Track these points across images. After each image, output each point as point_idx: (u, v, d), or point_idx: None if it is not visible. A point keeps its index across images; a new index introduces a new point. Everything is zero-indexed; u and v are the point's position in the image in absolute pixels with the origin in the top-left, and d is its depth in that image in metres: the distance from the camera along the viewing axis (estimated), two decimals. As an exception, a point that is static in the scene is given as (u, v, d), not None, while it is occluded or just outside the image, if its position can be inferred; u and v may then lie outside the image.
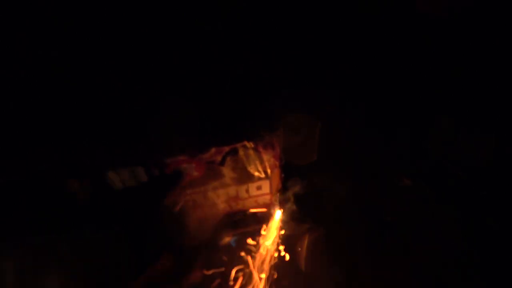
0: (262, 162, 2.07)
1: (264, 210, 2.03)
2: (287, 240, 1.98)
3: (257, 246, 1.95)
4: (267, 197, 2.10)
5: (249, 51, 3.61)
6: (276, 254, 1.95)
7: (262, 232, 1.95)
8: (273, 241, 1.93)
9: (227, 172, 2.04)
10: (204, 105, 3.76)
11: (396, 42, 3.60)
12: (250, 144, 2.05)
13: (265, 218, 1.98)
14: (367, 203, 2.69)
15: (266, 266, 1.90)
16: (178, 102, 3.72)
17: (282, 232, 1.93)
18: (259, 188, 2.10)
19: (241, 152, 2.03)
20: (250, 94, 3.85)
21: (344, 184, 2.42)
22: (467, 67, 3.65)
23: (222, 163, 2.00)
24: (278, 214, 1.95)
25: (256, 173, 2.07)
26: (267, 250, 1.88)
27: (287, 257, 1.97)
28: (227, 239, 2.09)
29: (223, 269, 2.04)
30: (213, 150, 2.05)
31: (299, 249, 2.05)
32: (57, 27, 3.05)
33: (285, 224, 1.93)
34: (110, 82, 3.56)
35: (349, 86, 3.88)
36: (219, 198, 2.10)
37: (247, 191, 2.10)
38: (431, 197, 3.22)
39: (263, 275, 1.92)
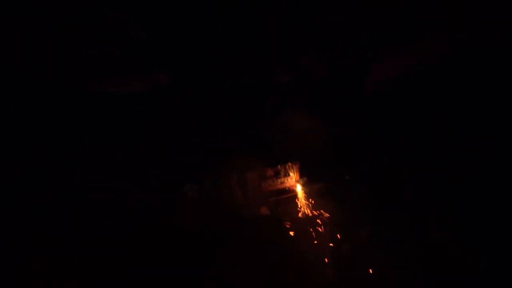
0: (293, 168, 4.25)
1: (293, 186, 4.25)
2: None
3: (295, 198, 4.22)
4: (294, 181, 4.26)
5: (249, 51, 3.62)
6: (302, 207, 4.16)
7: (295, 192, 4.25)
8: (301, 196, 4.22)
9: (281, 172, 4.23)
10: (204, 105, 3.78)
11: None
12: (290, 164, 4.22)
13: (294, 189, 4.24)
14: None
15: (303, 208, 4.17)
16: (178, 102, 3.73)
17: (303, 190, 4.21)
18: (291, 178, 4.26)
19: (287, 165, 4.23)
20: (250, 94, 3.86)
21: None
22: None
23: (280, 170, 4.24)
24: (299, 187, 4.20)
25: (291, 173, 4.25)
26: (300, 200, 4.21)
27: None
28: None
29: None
30: (278, 166, 4.20)
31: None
32: (56, 27, 3.06)
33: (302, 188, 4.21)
34: (110, 82, 3.57)
35: (348, 85, 3.88)
36: (276, 183, 4.24)
37: (287, 180, 4.25)
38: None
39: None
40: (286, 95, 3.98)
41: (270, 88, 3.91)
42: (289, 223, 3.91)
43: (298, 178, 4.08)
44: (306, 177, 4.06)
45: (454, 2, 3.29)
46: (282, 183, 4.04)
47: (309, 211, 4.01)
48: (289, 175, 4.08)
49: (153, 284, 3.76)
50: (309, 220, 3.99)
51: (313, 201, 4.00)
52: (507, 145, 3.77)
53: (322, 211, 3.94)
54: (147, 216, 3.88)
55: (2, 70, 3.18)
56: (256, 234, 3.83)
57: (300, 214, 4.00)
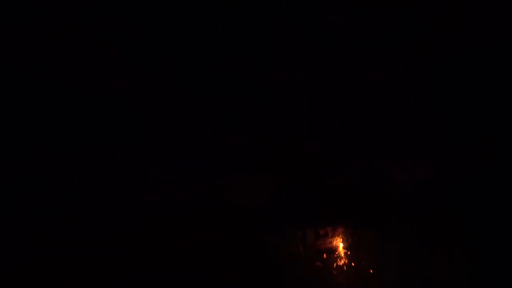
0: (338, 230, 4.76)
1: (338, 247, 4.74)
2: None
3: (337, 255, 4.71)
4: (339, 242, 4.77)
5: (249, 51, 3.61)
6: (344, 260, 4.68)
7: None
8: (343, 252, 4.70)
9: (330, 233, 4.77)
10: (205, 104, 3.78)
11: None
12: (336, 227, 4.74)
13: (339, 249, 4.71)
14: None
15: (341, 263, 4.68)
16: (178, 102, 3.73)
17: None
18: (336, 239, 4.78)
19: (334, 227, 4.73)
20: (250, 94, 3.86)
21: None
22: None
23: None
24: (341, 245, 4.62)
25: (337, 235, 4.76)
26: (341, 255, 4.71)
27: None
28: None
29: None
30: (327, 228, 4.75)
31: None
32: (56, 27, 3.06)
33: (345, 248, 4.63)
34: (109, 83, 3.57)
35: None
36: (326, 242, 4.79)
37: (334, 240, 4.78)
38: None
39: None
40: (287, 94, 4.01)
41: (270, 88, 3.91)
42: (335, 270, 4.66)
43: (342, 239, 4.83)
44: (351, 239, 4.71)
45: (454, 2, 3.30)
46: (330, 242, 4.78)
47: (350, 265, 4.65)
48: (335, 236, 4.78)
49: (153, 284, 3.76)
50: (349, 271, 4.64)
51: (355, 258, 4.62)
52: (507, 145, 3.77)
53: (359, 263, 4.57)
54: (147, 216, 3.88)
55: (2, 70, 3.18)
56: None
57: (344, 268, 4.66)
